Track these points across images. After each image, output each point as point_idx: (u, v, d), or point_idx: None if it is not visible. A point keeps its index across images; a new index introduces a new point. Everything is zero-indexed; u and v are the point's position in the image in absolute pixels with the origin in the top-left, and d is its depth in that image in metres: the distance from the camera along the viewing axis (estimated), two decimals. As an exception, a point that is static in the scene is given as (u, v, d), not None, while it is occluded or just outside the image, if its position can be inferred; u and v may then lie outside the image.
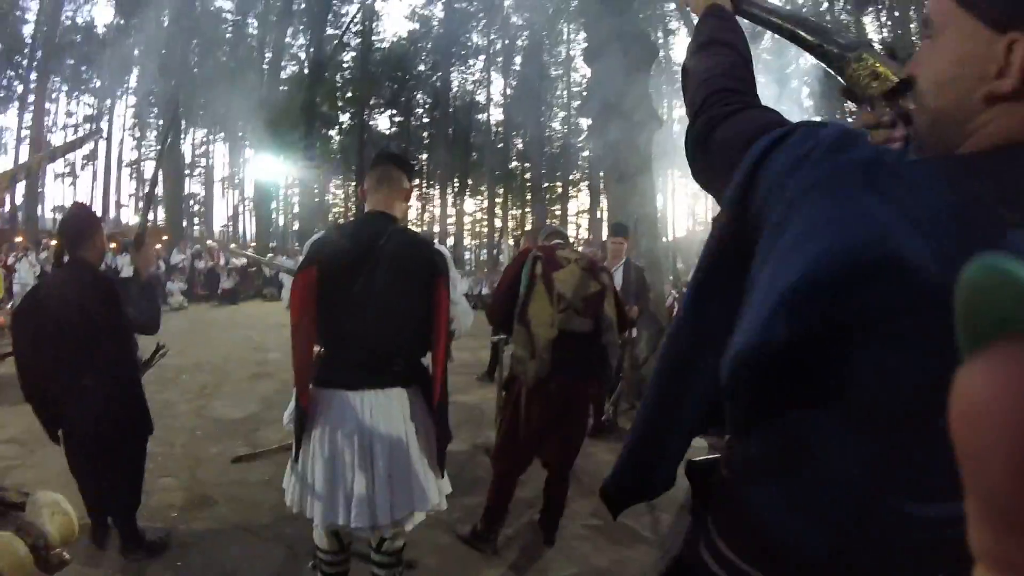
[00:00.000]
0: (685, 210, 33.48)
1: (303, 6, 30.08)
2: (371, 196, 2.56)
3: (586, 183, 32.18)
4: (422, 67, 34.08)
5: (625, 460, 1.01)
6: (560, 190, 34.07)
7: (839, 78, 1.04)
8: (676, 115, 30.51)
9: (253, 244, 29.16)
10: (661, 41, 29.79)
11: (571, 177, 33.54)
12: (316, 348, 2.47)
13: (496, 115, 34.15)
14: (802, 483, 0.76)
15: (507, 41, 33.30)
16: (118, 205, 32.64)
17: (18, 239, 16.78)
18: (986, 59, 0.68)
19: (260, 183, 28.12)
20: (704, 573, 0.84)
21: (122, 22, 28.58)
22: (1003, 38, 0.67)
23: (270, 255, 21.34)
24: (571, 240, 4.06)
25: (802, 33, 1.14)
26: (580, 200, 33.91)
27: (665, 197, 33.43)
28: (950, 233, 0.63)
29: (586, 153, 29.69)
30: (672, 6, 21.53)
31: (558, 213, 33.76)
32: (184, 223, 29.75)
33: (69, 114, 32.12)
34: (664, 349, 0.96)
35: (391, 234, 2.43)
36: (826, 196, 0.70)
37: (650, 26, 22.88)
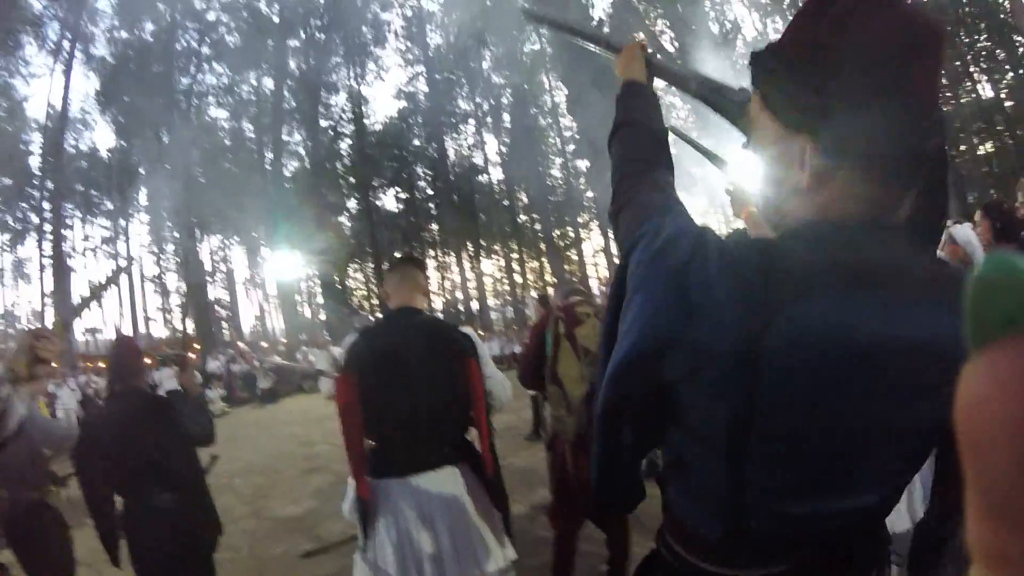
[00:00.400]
0: None
1: (294, 104, 31.04)
2: (395, 295, 2.77)
3: (596, 223, 32.36)
4: (417, 141, 34.90)
5: (593, 476, 1.12)
6: (572, 235, 34.28)
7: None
8: (671, 139, 30.95)
9: (284, 341, 29.53)
10: None
11: (580, 219, 33.77)
12: (367, 442, 2.60)
13: (496, 174, 34.76)
14: (690, 486, 0.95)
15: (492, 101, 34.04)
16: (146, 320, 33.40)
17: (54, 365, 17.11)
18: (790, 155, 0.82)
19: (282, 280, 28.63)
20: (663, 557, 1.04)
21: (124, 144, 29.66)
22: (797, 138, 0.81)
23: (303, 348, 21.64)
24: (591, 291, 4.09)
25: (704, 91, 1.27)
26: (593, 240, 34.05)
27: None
28: (731, 313, 0.80)
29: (591, 193, 29.93)
30: (641, 35, 22.06)
31: (575, 257, 33.89)
32: (212, 329, 30.22)
33: (86, 237, 33.27)
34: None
35: (419, 326, 2.64)
36: (642, 295, 0.87)
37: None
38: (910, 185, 0.81)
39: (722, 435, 0.85)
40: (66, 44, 29.29)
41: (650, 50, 1.44)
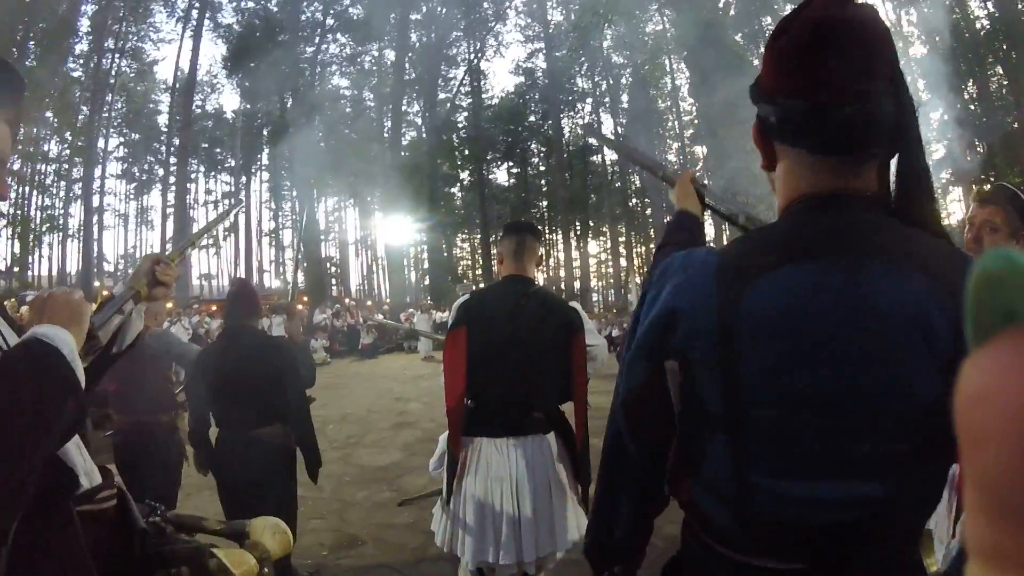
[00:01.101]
0: None
1: (413, 76, 31.61)
2: (508, 262, 2.82)
3: (707, 212, 31.46)
4: (532, 117, 34.80)
5: (591, 520, 1.21)
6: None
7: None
8: None
9: (388, 301, 30.45)
10: (757, 64, 29.10)
11: (697, 209, 32.98)
12: (466, 399, 2.66)
13: (610, 155, 34.28)
14: (702, 471, 1.00)
15: (611, 81, 33.46)
16: (260, 271, 35.33)
17: (169, 305, 18.27)
18: (764, 157, 1.02)
19: (391, 243, 29.45)
20: (690, 546, 1.08)
21: (248, 106, 31.18)
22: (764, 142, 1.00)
23: (410, 310, 22.27)
24: None
25: (751, 226, 1.42)
26: (706, 230, 33.19)
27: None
28: (711, 288, 0.92)
29: (707, 181, 29.08)
30: (768, 21, 21.04)
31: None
32: (322, 284, 31.54)
33: (208, 191, 35.41)
34: (609, 420, 1.19)
35: (531, 296, 2.69)
36: (652, 292, 1.03)
37: (748, 49, 22.51)
38: (857, 156, 0.91)
39: (720, 407, 0.93)
40: (195, 13, 31.10)
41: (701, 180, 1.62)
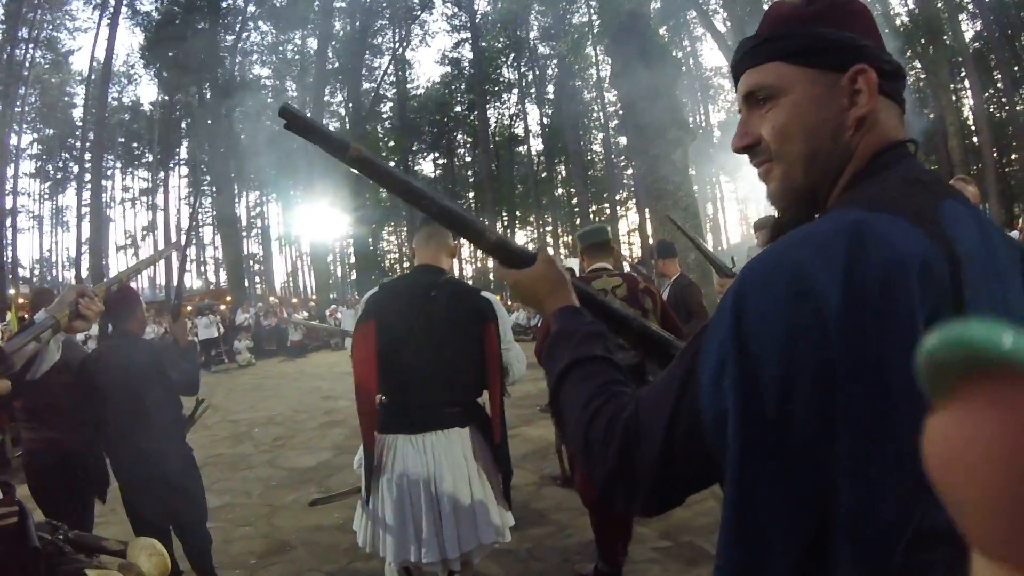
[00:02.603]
0: (736, 215, 33.03)
1: (337, 65, 31.03)
2: (420, 252, 2.74)
3: (633, 200, 32.04)
4: (459, 108, 34.70)
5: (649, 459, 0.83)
6: (608, 211, 34.04)
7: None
8: (714, 120, 30.29)
9: (314, 297, 29.90)
10: (689, 49, 29.74)
11: (618, 197, 33.50)
12: (379, 396, 2.61)
13: (536, 145, 34.50)
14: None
15: (537, 72, 33.68)
16: (181, 270, 34.02)
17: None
18: (838, 95, 0.84)
19: (316, 238, 28.91)
20: None
21: (166, 98, 30.04)
22: (844, 75, 0.83)
23: (333, 306, 21.90)
24: (620, 255, 3.91)
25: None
26: (629, 219, 33.76)
27: (715, 205, 33.11)
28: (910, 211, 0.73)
29: (630, 171, 29.59)
30: (693, 14, 21.52)
31: (588, 227, 33.52)
32: (246, 282, 30.72)
33: (126, 188, 33.98)
34: None
35: (441, 285, 2.61)
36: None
37: (672, 42, 22.99)
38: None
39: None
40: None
41: None
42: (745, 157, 0.95)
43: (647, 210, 20.17)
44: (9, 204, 29.41)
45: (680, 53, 27.12)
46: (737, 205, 33.04)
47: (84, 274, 29.88)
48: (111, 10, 29.37)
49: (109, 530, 4.30)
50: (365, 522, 2.61)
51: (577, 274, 4.27)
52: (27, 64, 28.67)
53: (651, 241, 10.10)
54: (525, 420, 7.03)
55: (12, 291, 25.20)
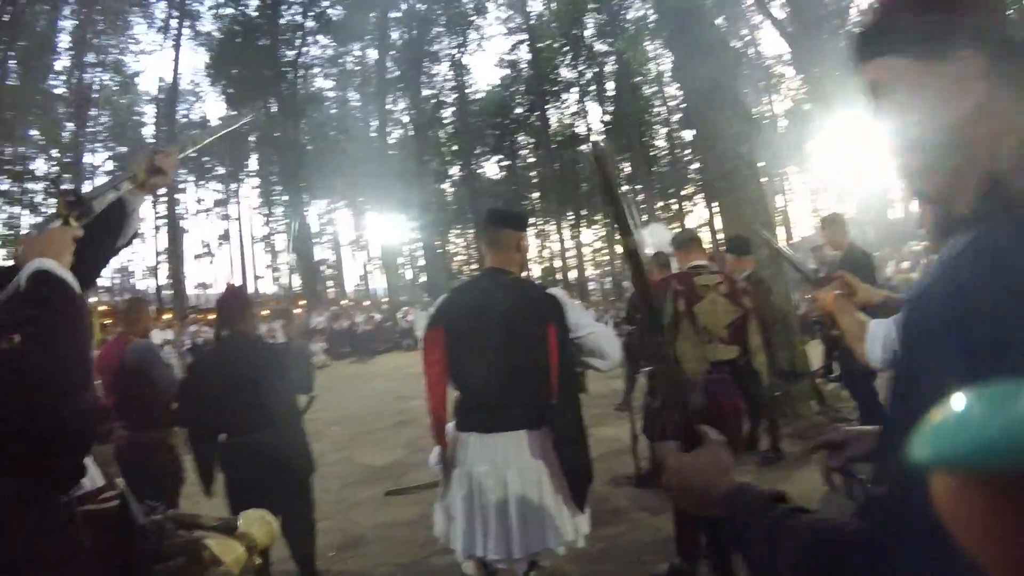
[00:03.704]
0: (807, 208, 31.99)
1: (397, 74, 31.51)
2: (487, 255, 2.80)
3: (700, 195, 31.41)
4: (519, 110, 34.69)
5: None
6: (676, 207, 33.52)
7: None
8: (779, 110, 29.43)
9: (385, 300, 30.46)
10: (748, 37, 28.96)
11: (683, 192, 32.95)
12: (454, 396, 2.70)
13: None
14: None
15: (596, 69, 33.36)
16: (256, 277, 35.36)
17: (167, 316, 18.23)
18: (943, 84, 0.76)
19: (386, 242, 29.45)
20: None
21: (233, 113, 31.13)
22: (949, 64, 0.76)
23: (404, 308, 22.33)
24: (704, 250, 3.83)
25: None
26: (697, 213, 33.10)
27: (785, 198, 32.19)
28: None
29: (696, 165, 29.01)
30: (750, 1, 20.89)
31: (677, 231, 32.92)
32: (318, 287, 31.52)
33: (199, 200, 35.36)
34: None
35: (504, 288, 2.64)
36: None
37: (730, 32, 22.37)
38: None
39: None
40: (174, 22, 30.87)
41: None
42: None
43: (714, 205, 19.71)
44: (87, 219, 30.88)
45: (739, 43, 26.49)
46: (809, 197, 31.94)
47: (163, 281, 31.24)
48: (175, 32, 30.77)
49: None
50: (440, 515, 2.70)
51: (674, 270, 4.26)
52: (96, 87, 30.22)
53: (720, 237, 9.90)
54: (598, 420, 6.99)
55: (93, 299, 26.50)
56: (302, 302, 23.36)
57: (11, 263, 1.41)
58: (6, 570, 1.09)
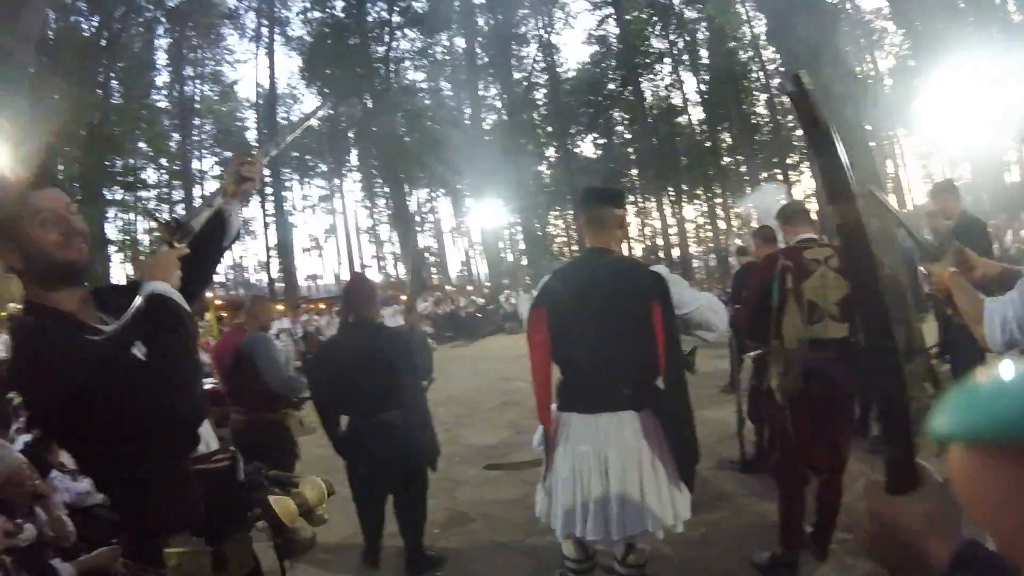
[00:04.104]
0: (919, 172, 29.84)
1: (486, 60, 31.63)
2: (589, 234, 2.78)
3: (805, 164, 29.76)
4: (612, 86, 33.98)
5: None
6: (781, 177, 32.01)
7: None
8: (883, 68, 27.49)
9: (487, 284, 30.86)
10: None
11: (788, 160, 31.36)
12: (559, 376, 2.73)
13: (696, 114, 33.08)
14: None
15: (687, 38, 32.17)
16: (362, 267, 36.81)
17: (279, 307, 19.12)
18: None
19: (485, 228, 29.82)
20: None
21: (331, 112, 32.25)
22: None
23: (506, 292, 22.64)
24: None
25: None
26: (804, 183, 31.40)
27: (895, 162, 30.17)
28: None
29: (799, 132, 27.44)
30: None
31: (782, 203, 31.40)
32: (422, 274, 32.31)
33: (305, 197, 36.98)
34: None
35: (607, 267, 2.63)
36: None
37: None
38: None
39: None
40: (264, 31, 32.40)
41: None
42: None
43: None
44: (200, 221, 33.17)
45: None
46: (920, 161, 29.73)
47: (275, 274, 33.04)
48: (266, 40, 32.33)
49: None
50: (542, 495, 2.74)
51: (780, 243, 4.13)
52: (197, 98, 32.35)
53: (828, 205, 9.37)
54: (704, 401, 6.79)
55: (209, 294, 28.21)
56: (407, 290, 24.05)
57: (134, 277, 1.83)
58: (140, 513, 1.58)
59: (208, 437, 1.77)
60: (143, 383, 1.44)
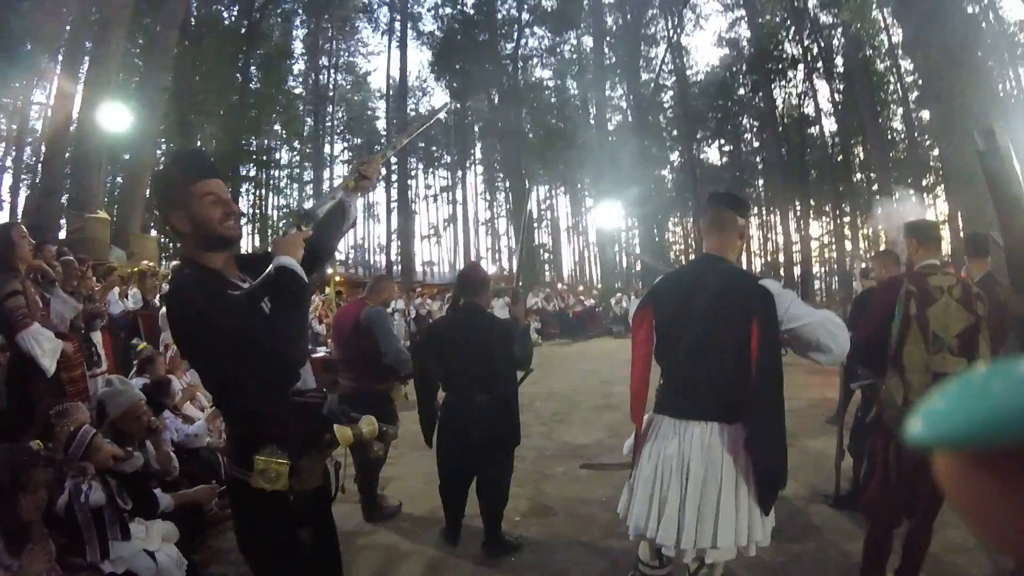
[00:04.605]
0: None
1: (614, 60, 31.43)
2: (706, 238, 2.81)
3: (941, 187, 27.46)
4: (742, 91, 32.88)
5: None
6: (914, 199, 29.80)
7: None
8: None
9: (599, 285, 30.79)
10: (987, 2, 25.00)
11: (924, 183, 29.14)
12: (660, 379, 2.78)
13: (829, 125, 31.47)
14: None
15: (822, 43, 30.57)
16: (478, 258, 37.66)
17: (395, 289, 19.92)
18: None
19: (602, 228, 29.74)
20: None
21: (458, 105, 33.05)
22: None
23: (619, 295, 22.57)
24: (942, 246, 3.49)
25: None
26: (938, 207, 29.10)
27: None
28: None
29: (936, 151, 25.45)
30: None
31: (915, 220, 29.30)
32: (536, 269, 32.63)
33: (428, 186, 38.07)
34: None
35: (716, 275, 2.62)
36: None
37: None
38: None
39: None
40: (397, 25, 33.75)
41: None
42: None
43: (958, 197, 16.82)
44: (326, 201, 35.11)
45: (977, 8, 22.90)
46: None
47: (394, 258, 34.57)
48: (398, 34, 33.65)
49: (391, 470, 5.09)
50: (626, 493, 2.78)
51: (903, 265, 4.01)
52: (331, 86, 34.48)
53: (962, 234, 8.79)
54: (807, 430, 6.63)
55: (331, 271, 29.66)
56: (520, 283, 24.33)
57: (267, 251, 2.14)
58: (245, 425, 2.01)
59: (308, 377, 2.13)
60: (265, 330, 1.84)
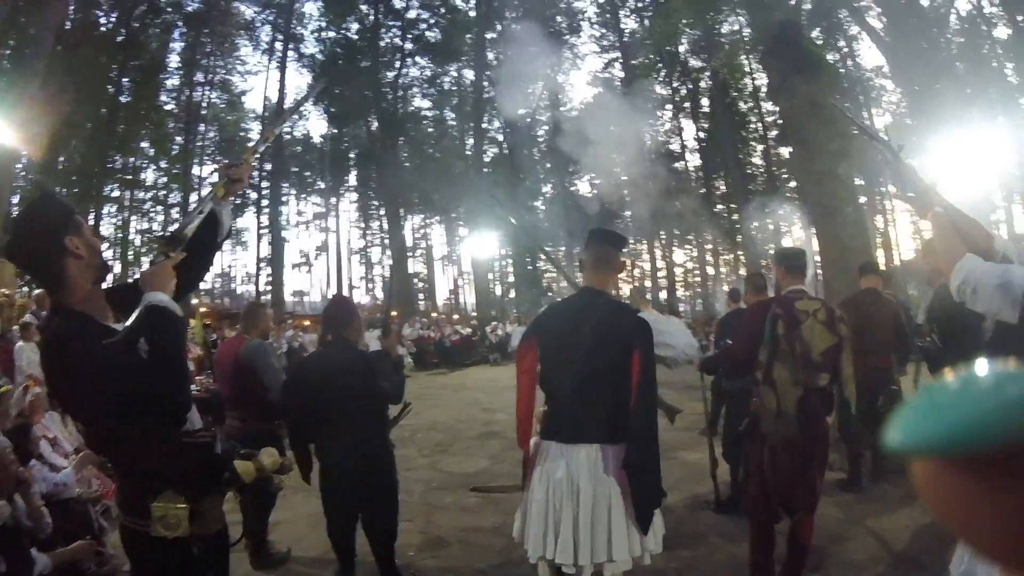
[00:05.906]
0: (908, 229, 30.25)
1: (493, 93, 32.11)
2: (587, 273, 2.95)
3: (796, 215, 30.04)
4: (612, 127, 34.23)
5: None
6: (772, 227, 32.31)
7: None
8: (879, 124, 28.04)
9: (475, 314, 30.87)
10: (846, 49, 27.90)
11: (780, 211, 31.67)
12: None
13: (694, 160, 33.60)
14: None
15: (690, 86, 32.81)
16: (350, 287, 36.76)
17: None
18: None
19: (476, 258, 29.95)
20: None
21: (335, 131, 32.56)
22: None
23: (493, 323, 22.66)
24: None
25: None
26: (794, 234, 31.67)
27: (884, 218, 30.63)
28: None
29: (793, 184, 27.90)
30: (844, 13, 20.20)
31: (771, 252, 31.75)
32: (410, 299, 32.31)
33: (300, 213, 37.04)
34: None
35: (598, 308, 2.79)
36: None
37: (827, 43, 21.58)
38: None
39: None
40: (279, 45, 32.66)
41: None
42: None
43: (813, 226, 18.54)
44: (192, 226, 33.26)
45: (836, 56, 25.51)
46: (910, 217, 30.17)
47: (262, 287, 33.08)
48: (279, 54, 32.57)
49: (278, 514, 4.74)
50: (519, 516, 2.85)
51: (772, 291, 4.28)
52: (204, 104, 32.51)
53: (816, 259, 9.53)
54: (683, 444, 6.89)
55: (195, 301, 28.12)
56: (393, 312, 24.00)
57: (133, 280, 2.12)
58: (137, 474, 1.95)
59: (194, 417, 2.08)
60: (148, 376, 1.79)
